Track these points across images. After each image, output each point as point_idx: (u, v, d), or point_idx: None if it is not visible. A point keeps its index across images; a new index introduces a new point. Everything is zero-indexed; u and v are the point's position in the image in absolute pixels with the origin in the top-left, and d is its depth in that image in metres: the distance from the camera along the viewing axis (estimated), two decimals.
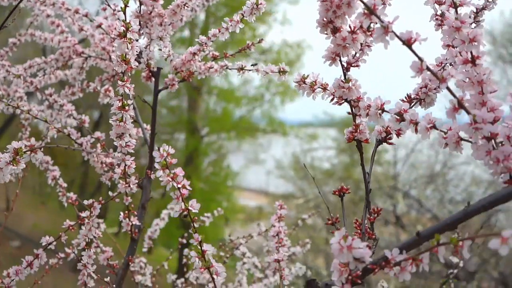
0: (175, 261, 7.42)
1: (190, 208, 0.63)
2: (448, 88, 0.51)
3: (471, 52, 0.53)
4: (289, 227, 1.47)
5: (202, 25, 10.09)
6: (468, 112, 0.51)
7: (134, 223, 0.98)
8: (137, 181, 0.93)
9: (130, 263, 1.00)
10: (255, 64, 0.94)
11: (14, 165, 0.69)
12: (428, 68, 0.50)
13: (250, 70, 0.94)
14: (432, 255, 0.50)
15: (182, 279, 1.46)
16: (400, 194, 5.52)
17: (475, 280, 5.36)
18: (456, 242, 0.45)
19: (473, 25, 0.71)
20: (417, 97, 0.70)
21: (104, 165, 1.01)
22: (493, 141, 0.52)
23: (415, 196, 6.15)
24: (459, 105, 0.51)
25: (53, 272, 1.11)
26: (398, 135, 0.69)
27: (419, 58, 0.51)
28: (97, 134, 1.06)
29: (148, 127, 1.12)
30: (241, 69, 0.94)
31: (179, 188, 0.62)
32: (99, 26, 1.01)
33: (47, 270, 1.01)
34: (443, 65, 0.71)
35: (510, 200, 0.49)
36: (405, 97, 0.71)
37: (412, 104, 0.70)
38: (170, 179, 0.62)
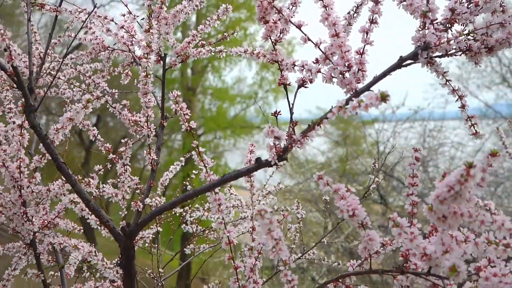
0: (177, 262, 7.87)
1: (191, 125, 1.12)
2: (320, 50, 1.00)
3: (335, 30, 1.02)
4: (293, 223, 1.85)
5: (194, 26, 10.59)
6: (330, 61, 1.00)
7: (153, 158, 1.46)
8: (155, 127, 1.41)
9: (151, 186, 1.48)
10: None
11: (86, 109, 1.17)
12: (309, 39, 0.99)
13: (225, 51, 1.43)
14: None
15: None
16: (381, 174, 6.03)
17: None
18: (332, 112, 0.93)
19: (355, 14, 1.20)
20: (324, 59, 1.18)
21: (130, 121, 1.49)
22: (346, 74, 1.01)
23: (398, 177, 6.66)
24: (326, 57, 1.00)
25: None
26: (310, 82, 1.17)
27: (304, 34, 1.00)
28: (124, 101, 1.54)
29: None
30: (220, 51, 1.44)
31: (184, 114, 1.11)
32: (122, 27, 1.50)
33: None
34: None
35: None
36: (315, 59, 1.19)
37: (320, 64, 1.19)
38: (179, 109, 1.10)
